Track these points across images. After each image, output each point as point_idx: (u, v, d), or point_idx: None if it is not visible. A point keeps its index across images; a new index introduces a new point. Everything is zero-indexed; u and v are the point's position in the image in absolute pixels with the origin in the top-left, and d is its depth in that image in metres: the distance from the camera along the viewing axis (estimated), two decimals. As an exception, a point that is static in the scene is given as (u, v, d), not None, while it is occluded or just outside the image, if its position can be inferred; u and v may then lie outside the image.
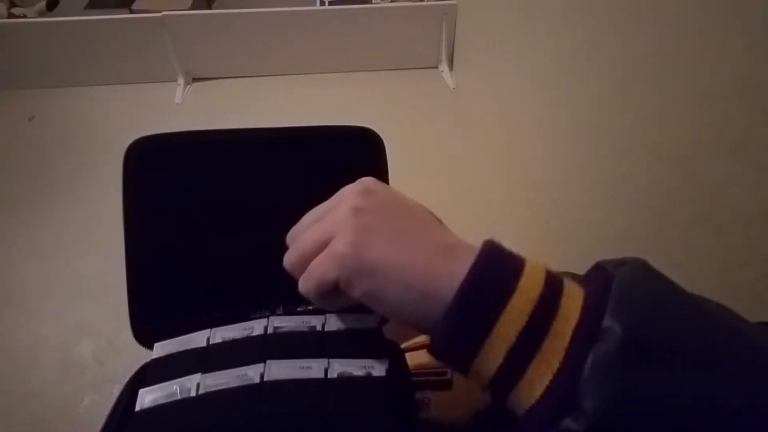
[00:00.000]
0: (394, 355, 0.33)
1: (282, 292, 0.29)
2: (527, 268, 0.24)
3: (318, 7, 2.13)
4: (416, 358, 0.35)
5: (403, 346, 0.36)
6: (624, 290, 0.22)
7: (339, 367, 0.31)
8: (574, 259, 1.25)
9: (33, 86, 2.10)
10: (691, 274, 0.84)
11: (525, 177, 1.49)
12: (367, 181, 0.30)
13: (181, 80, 2.09)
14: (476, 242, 0.31)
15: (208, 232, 0.37)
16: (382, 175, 0.34)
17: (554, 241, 1.31)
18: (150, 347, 0.34)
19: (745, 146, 0.70)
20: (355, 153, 0.38)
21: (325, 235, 0.27)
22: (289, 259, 0.29)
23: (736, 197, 0.72)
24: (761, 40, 0.67)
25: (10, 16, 2.14)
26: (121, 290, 0.36)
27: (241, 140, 0.38)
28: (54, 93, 2.08)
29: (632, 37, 0.94)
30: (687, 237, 0.82)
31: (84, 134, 1.93)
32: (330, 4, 2.14)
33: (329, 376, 0.30)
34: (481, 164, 1.72)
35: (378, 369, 0.31)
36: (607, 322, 0.21)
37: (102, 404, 1.24)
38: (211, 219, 0.37)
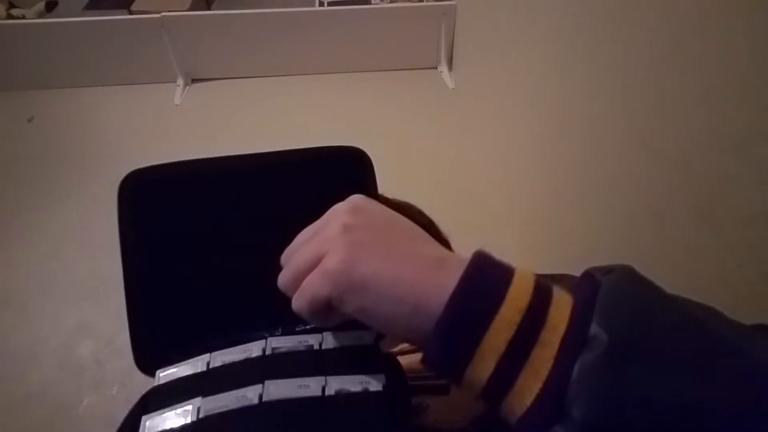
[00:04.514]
0: (391, 370, 0.33)
1: (280, 313, 0.30)
2: (516, 278, 0.25)
3: (317, 7, 2.13)
4: (414, 361, 0.35)
5: (398, 348, 0.37)
6: (610, 297, 0.23)
7: (336, 384, 0.31)
8: (573, 258, 1.25)
9: (32, 87, 2.10)
10: (690, 274, 0.84)
11: (524, 176, 1.50)
12: (357, 199, 0.30)
13: (180, 81, 2.10)
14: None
15: (204, 259, 0.38)
16: (371, 193, 0.34)
17: (553, 240, 1.31)
18: (153, 375, 0.34)
19: (743, 146, 0.71)
20: (343, 173, 0.39)
21: (317, 254, 0.27)
22: (282, 279, 0.29)
23: (735, 197, 0.72)
24: (761, 40, 0.67)
25: (9, 17, 2.15)
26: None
27: (232, 167, 0.39)
28: (53, 94, 2.08)
29: (631, 38, 0.95)
30: (686, 237, 0.82)
31: (83, 135, 1.93)
32: (329, 4, 2.15)
33: (327, 394, 0.31)
34: (480, 163, 1.72)
35: (375, 384, 0.31)
36: (594, 329, 0.21)
37: (101, 405, 1.24)
38: (206, 246, 0.38)
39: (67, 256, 1.52)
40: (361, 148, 0.38)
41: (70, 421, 1.22)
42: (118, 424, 0.32)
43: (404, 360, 0.35)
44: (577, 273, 0.29)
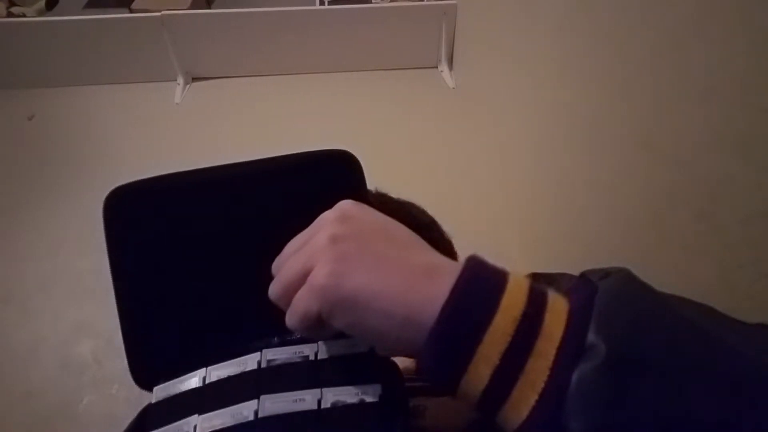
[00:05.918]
0: (388, 376, 0.33)
1: (275, 322, 0.29)
2: (510, 285, 0.24)
3: (318, 7, 2.13)
4: (413, 363, 0.35)
5: None
6: (608, 303, 0.22)
7: (332, 396, 0.31)
8: (573, 258, 1.25)
9: (32, 86, 2.10)
10: (690, 274, 0.84)
11: (524, 176, 1.49)
12: (345, 206, 0.29)
13: (180, 80, 2.09)
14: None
15: (196, 272, 0.37)
16: (360, 196, 0.34)
17: (553, 240, 1.31)
18: (150, 390, 0.34)
19: (743, 146, 0.71)
20: (332, 177, 0.38)
21: (305, 266, 0.27)
22: (273, 291, 0.28)
23: (735, 197, 0.72)
24: (761, 41, 0.67)
25: (9, 15, 2.14)
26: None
27: (217, 178, 0.38)
28: (53, 92, 2.08)
29: (631, 38, 0.95)
30: (686, 237, 0.82)
31: (83, 134, 1.93)
32: (330, 4, 2.14)
33: (323, 407, 0.30)
34: (480, 162, 1.72)
35: (371, 395, 0.31)
36: (591, 338, 0.21)
37: (101, 403, 1.24)
38: (198, 258, 0.37)
39: (66, 255, 1.52)
40: (348, 150, 0.38)
41: (69, 419, 1.22)
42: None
43: (402, 362, 0.34)
44: (576, 273, 0.29)
